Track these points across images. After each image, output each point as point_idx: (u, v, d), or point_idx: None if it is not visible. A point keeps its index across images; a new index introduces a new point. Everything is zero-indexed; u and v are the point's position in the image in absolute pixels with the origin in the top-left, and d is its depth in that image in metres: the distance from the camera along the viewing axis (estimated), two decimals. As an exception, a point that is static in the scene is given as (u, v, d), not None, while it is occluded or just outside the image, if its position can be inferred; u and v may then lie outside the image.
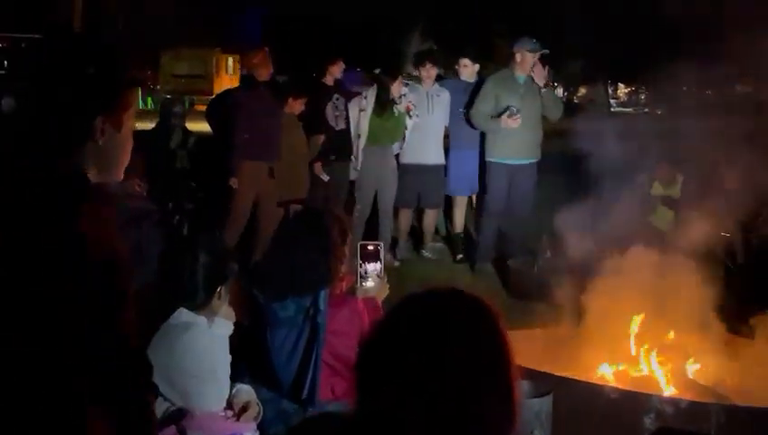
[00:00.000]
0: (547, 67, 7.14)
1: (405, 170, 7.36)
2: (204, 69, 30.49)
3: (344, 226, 2.79)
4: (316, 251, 2.65)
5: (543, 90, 6.97)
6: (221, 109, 7.27)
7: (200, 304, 2.56)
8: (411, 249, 7.74)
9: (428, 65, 7.41)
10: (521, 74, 6.86)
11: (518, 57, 6.84)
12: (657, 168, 6.89)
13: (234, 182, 6.66)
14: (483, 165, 7.14)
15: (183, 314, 2.52)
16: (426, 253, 7.62)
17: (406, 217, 7.59)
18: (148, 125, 9.29)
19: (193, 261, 2.53)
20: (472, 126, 7.13)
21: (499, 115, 6.79)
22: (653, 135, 6.81)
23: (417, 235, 7.91)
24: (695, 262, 4.85)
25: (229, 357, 2.64)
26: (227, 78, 30.75)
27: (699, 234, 5.32)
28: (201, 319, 2.54)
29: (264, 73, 6.82)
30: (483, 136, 7.11)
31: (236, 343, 2.66)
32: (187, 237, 2.68)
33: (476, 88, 7.15)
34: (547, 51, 6.98)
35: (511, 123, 6.73)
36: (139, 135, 8.50)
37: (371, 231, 7.26)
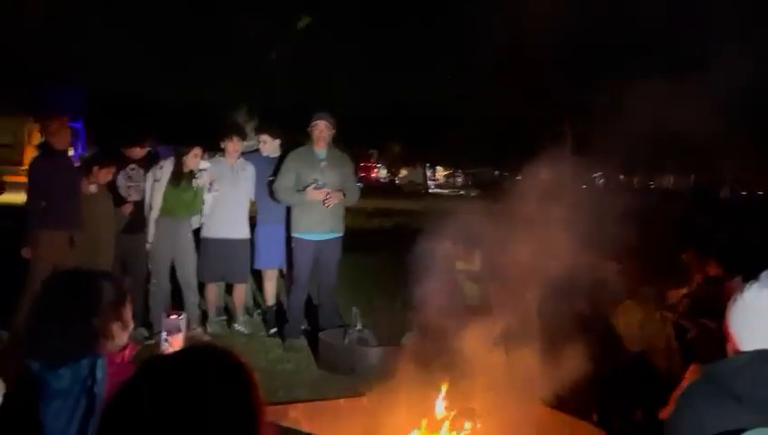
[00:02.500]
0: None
1: (208, 245, 7.27)
2: (13, 139, 28.87)
3: (120, 285, 2.68)
4: (79, 311, 2.53)
5: (347, 171, 7.16)
6: None
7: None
8: (224, 324, 7.61)
9: (235, 139, 7.36)
10: (320, 149, 7.01)
11: (313, 131, 6.98)
12: (454, 248, 7.28)
13: (26, 252, 6.42)
14: (289, 239, 7.18)
15: (-62, 385, 2.33)
16: (238, 327, 7.50)
17: (213, 291, 7.47)
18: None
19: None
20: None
21: (304, 189, 6.87)
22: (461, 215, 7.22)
23: (227, 308, 7.80)
24: (500, 329, 5.13)
25: (-6, 432, 2.45)
26: (40, 149, 29.27)
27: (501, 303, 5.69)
28: (-40, 390, 2.36)
29: (62, 142, 6.67)
30: (288, 211, 7.17)
31: (5, 417, 2.48)
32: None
33: (279, 163, 7.22)
34: (333, 121, 7.03)
35: (316, 195, 6.83)
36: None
37: (178, 305, 7.08)
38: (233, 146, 7.34)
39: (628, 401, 5.15)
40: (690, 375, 4.81)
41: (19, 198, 7.56)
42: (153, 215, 7.02)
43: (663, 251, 7.72)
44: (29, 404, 2.49)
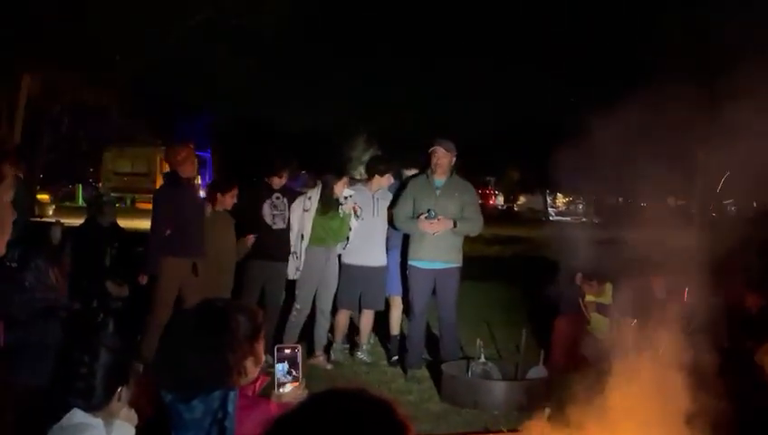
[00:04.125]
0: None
1: (348, 271, 7.28)
2: (147, 167, 30.26)
3: (255, 320, 2.64)
4: (214, 346, 2.50)
5: (467, 200, 6.98)
6: None
7: (97, 404, 2.39)
8: (347, 352, 7.58)
9: (388, 175, 7.39)
10: (438, 178, 6.89)
11: (434, 160, 6.87)
12: (583, 279, 6.99)
13: (142, 278, 6.59)
14: (404, 266, 7.11)
15: (77, 416, 2.35)
16: (361, 355, 7.44)
17: (345, 317, 7.45)
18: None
19: (92, 359, 2.38)
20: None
21: (418, 217, 6.78)
22: (588, 244, 6.96)
23: (352, 336, 7.77)
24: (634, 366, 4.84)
25: (129, 463, 2.46)
26: (170, 176, 30.60)
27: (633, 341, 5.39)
28: (97, 421, 2.36)
29: (189, 170, 6.73)
30: (406, 239, 7.07)
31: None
32: (87, 334, 2.49)
33: (399, 191, 7.19)
34: (455, 152, 6.91)
35: (426, 227, 6.71)
36: (69, 231, 8.36)
37: (305, 331, 7.12)
38: (386, 181, 7.37)
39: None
40: None
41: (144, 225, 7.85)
42: (304, 244, 7.11)
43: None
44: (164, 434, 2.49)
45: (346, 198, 7.16)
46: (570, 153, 5.73)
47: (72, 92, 18.32)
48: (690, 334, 5.53)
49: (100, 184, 31.74)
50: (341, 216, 7.16)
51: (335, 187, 7.12)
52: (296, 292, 7.21)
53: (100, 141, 29.52)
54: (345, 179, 7.27)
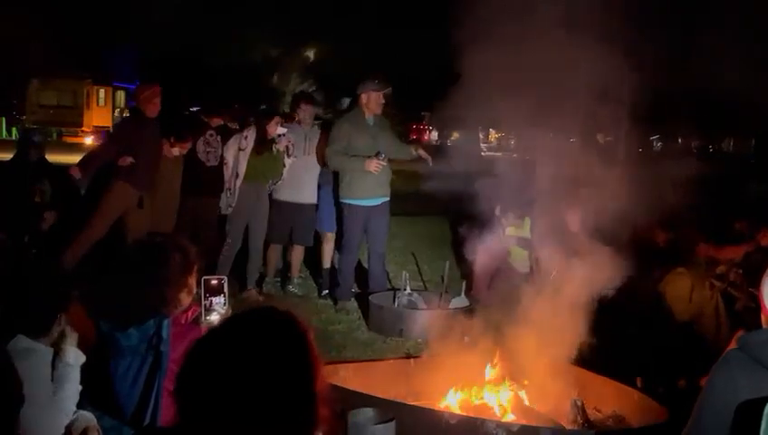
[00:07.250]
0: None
1: (279, 207, 7.48)
2: (73, 100, 29.44)
3: (189, 255, 2.85)
4: (151, 280, 2.71)
5: (392, 134, 7.26)
6: None
7: (40, 330, 2.57)
8: (277, 285, 7.82)
9: (303, 105, 7.57)
10: (369, 115, 7.06)
11: (364, 98, 7.02)
12: (504, 213, 7.31)
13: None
14: (338, 204, 7.28)
15: (22, 341, 2.53)
16: (292, 288, 7.70)
17: (275, 253, 7.68)
18: (9, 156, 9.03)
19: (33, 288, 2.55)
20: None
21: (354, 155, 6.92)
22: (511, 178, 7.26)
23: (283, 270, 8.00)
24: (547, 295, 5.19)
25: (79, 387, 2.65)
26: (98, 110, 29.88)
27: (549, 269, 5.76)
28: (40, 346, 2.55)
29: (152, 110, 6.96)
30: (336, 177, 7.26)
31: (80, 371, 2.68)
32: (27, 264, 2.66)
33: (328, 129, 7.34)
34: (390, 88, 7.14)
35: (373, 167, 6.86)
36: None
37: (239, 266, 7.31)
38: (303, 112, 7.56)
39: (672, 368, 5.19)
40: (733, 343, 4.84)
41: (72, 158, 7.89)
42: (239, 182, 7.24)
43: (717, 219, 7.65)
44: (100, 361, 2.70)
45: (279, 136, 7.29)
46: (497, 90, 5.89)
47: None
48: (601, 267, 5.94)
49: (24, 117, 30.81)
50: (275, 154, 7.29)
51: (268, 127, 7.22)
52: (227, 227, 7.39)
53: (25, 74, 28.53)
54: (277, 118, 7.36)
